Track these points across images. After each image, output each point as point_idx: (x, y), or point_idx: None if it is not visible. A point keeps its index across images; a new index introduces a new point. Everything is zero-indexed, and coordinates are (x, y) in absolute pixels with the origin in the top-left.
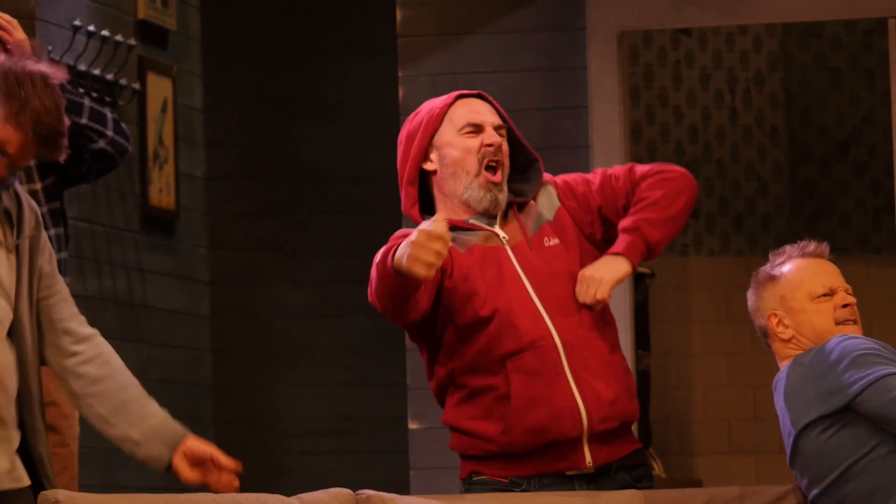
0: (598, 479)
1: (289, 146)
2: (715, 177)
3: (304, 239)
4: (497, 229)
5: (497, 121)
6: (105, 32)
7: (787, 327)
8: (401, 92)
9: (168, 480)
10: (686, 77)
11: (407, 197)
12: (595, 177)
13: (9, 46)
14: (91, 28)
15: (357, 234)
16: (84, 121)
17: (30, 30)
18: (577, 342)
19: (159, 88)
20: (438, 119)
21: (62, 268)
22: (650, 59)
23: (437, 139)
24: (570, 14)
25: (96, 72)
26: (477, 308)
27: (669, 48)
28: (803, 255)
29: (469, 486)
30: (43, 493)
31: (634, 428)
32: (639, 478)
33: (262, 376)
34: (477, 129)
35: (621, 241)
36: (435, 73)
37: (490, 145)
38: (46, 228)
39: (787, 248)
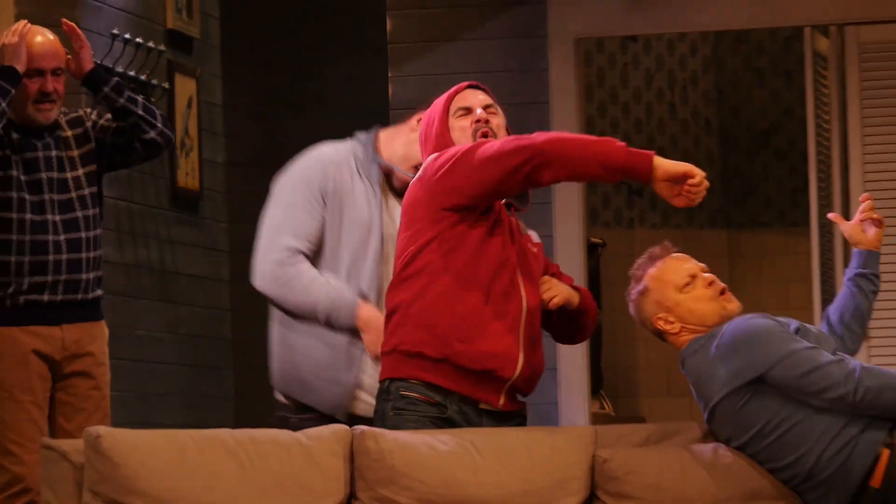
0: (500, 419)
1: (295, 136)
2: None
3: None
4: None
5: (487, 100)
6: (139, 40)
7: (672, 323)
8: (390, 90)
9: (196, 420)
10: (632, 77)
11: None
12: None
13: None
14: (127, 36)
15: None
16: (140, 112)
17: None
18: (532, 313)
19: (185, 88)
20: (445, 110)
21: (98, 243)
22: (602, 62)
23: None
24: (534, 24)
25: (131, 73)
26: (495, 244)
27: (618, 52)
28: (653, 259)
29: (400, 402)
30: (86, 429)
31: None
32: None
33: None
34: (467, 110)
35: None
36: (420, 74)
37: (478, 121)
38: (86, 209)
39: (637, 264)
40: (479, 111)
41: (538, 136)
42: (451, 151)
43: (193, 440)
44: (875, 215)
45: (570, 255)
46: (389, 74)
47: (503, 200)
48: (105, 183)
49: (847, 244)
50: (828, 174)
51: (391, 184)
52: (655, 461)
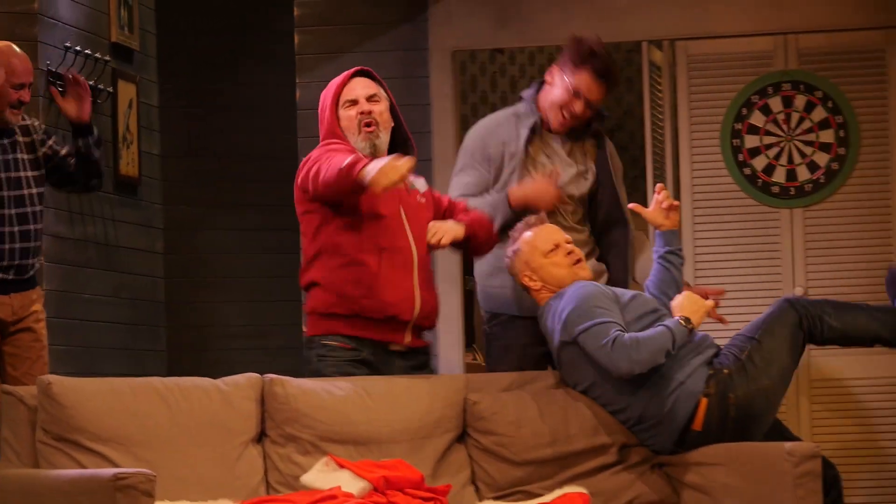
0: (408, 356)
1: (219, 132)
2: None
3: (231, 198)
4: None
5: (370, 90)
6: (88, 51)
7: (535, 281)
8: (298, 94)
9: (134, 371)
10: (500, 83)
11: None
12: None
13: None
14: (77, 48)
15: (269, 195)
16: (98, 165)
17: (33, 50)
18: (423, 259)
19: (127, 91)
20: (334, 101)
21: (40, 234)
22: (474, 71)
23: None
24: (418, 38)
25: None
26: (379, 208)
27: (488, 63)
28: (528, 226)
29: (321, 350)
30: (39, 377)
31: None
32: (425, 363)
33: (200, 296)
34: (353, 102)
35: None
36: (322, 81)
37: (362, 112)
38: (34, 205)
39: (516, 227)
40: (363, 102)
41: (322, 170)
42: (306, 159)
43: (129, 386)
44: (673, 201)
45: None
46: (297, 81)
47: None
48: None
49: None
50: (662, 164)
51: (549, 127)
52: (516, 403)
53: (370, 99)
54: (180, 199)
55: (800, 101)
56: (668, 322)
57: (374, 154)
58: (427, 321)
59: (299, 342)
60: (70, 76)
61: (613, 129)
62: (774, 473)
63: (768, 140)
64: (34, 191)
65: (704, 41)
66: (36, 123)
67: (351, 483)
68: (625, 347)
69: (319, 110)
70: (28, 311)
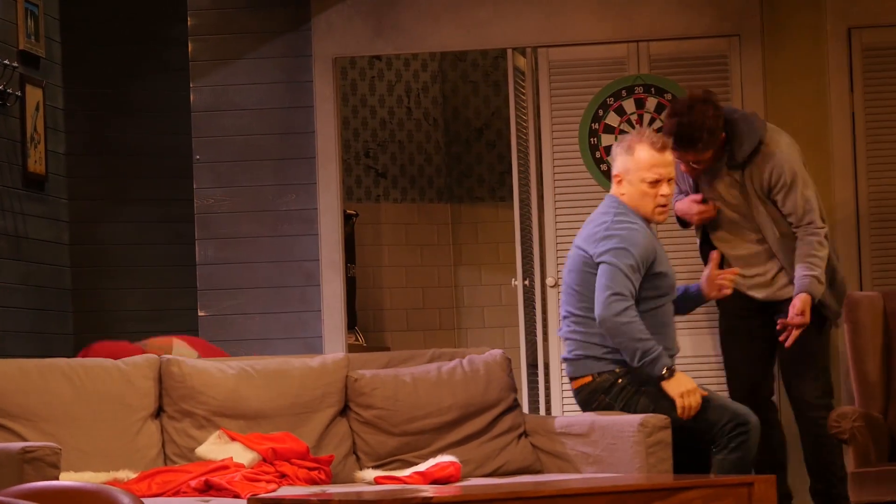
0: None
1: (119, 132)
2: (397, 152)
3: (129, 193)
4: None
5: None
6: None
7: (621, 186)
8: (192, 97)
9: (43, 353)
10: (378, 87)
11: None
12: None
13: None
14: None
15: (163, 190)
16: None
17: None
18: None
19: (34, 95)
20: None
21: None
22: (354, 76)
23: None
24: (302, 45)
25: None
26: None
27: (367, 68)
28: (650, 143)
29: None
30: None
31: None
32: None
33: (102, 283)
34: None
35: None
36: (214, 85)
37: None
38: None
39: (645, 131)
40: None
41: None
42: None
43: (37, 367)
44: (730, 284)
45: (331, 223)
46: (191, 85)
47: None
48: None
49: (540, 213)
50: (526, 160)
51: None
52: (394, 379)
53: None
54: (84, 195)
55: (651, 102)
56: (663, 355)
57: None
58: None
59: (195, 325)
60: None
61: (482, 129)
62: (630, 443)
63: None
64: None
65: (564, 48)
66: None
67: (242, 454)
68: (619, 311)
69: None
70: None
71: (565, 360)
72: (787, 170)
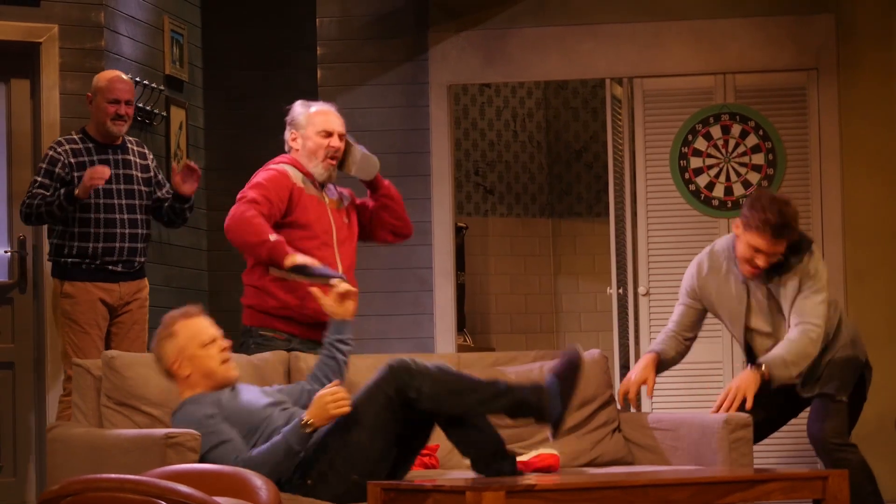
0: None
1: (253, 149)
2: (504, 171)
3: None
4: (324, 194)
5: (343, 131)
6: (146, 82)
7: (184, 369)
8: None
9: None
10: (487, 112)
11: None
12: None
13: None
14: (137, 79)
15: None
16: (183, 219)
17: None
18: (346, 273)
19: (177, 115)
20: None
21: (147, 237)
22: (466, 101)
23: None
24: (419, 73)
25: (140, 105)
26: (313, 227)
27: (478, 94)
28: (187, 315)
29: (258, 340)
30: (104, 352)
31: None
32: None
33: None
34: (329, 133)
35: None
36: (340, 108)
37: (331, 146)
38: (143, 213)
39: (170, 314)
40: (335, 138)
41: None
42: (249, 185)
43: None
44: (350, 289)
45: (443, 235)
46: None
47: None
48: None
49: (634, 227)
50: (621, 180)
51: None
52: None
53: (340, 137)
54: (221, 205)
55: (736, 129)
56: (285, 429)
57: (324, 180)
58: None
59: None
60: (190, 166)
61: (581, 151)
62: (715, 439)
63: (710, 161)
64: (144, 202)
65: (657, 79)
66: (154, 164)
67: None
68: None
69: (289, 121)
70: (133, 297)
71: None
72: (819, 279)
